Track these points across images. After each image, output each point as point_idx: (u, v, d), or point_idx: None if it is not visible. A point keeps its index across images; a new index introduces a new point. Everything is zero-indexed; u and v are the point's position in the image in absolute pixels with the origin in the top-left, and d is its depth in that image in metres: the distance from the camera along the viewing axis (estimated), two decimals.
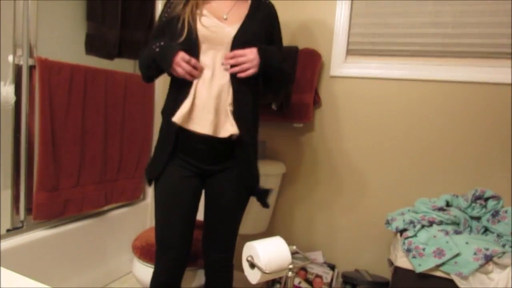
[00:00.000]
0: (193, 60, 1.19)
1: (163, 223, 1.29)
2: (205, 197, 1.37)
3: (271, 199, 1.96)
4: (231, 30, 1.24)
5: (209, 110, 1.20)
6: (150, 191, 2.29)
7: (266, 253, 1.13)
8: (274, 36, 1.38)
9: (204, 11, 1.25)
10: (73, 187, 1.72)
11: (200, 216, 1.40)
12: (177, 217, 1.28)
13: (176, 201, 1.27)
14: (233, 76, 1.22)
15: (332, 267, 1.88)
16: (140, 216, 2.22)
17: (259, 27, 1.29)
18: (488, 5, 1.63)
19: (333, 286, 1.87)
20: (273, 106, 1.86)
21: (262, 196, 1.37)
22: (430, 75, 1.72)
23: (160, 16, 1.33)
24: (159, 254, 1.31)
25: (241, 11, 1.30)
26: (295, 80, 1.85)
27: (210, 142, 1.24)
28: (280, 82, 1.40)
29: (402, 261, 1.45)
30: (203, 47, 1.23)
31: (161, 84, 2.20)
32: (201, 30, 1.22)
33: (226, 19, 1.27)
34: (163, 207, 1.29)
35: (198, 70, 1.20)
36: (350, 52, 1.88)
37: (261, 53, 1.23)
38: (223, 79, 1.23)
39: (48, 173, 1.58)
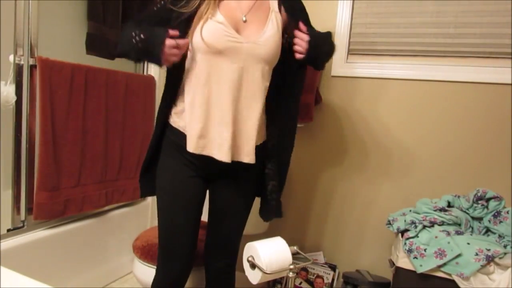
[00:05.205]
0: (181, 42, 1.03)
1: (168, 229, 1.20)
2: (211, 202, 1.29)
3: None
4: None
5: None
6: None
7: (267, 253, 1.12)
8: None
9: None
10: (74, 187, 1.71)
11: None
12: (185, 224, 1.20)
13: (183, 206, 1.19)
14: None
15: (333, 268, 1.88)
16: (141, 216, 2.22)
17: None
18: (488, 5, 1.63)
19: (334, 287, 1.87)
20: None
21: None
22: (431, 75, 1.72)
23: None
24: (164, 261, 1.22)
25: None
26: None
27: None
28: None
29: (403, 262, 1.44)
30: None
31: (163, 84, 2.19)
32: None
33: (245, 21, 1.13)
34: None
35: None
36: (351, 52, 1.88)
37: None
38: None
39: (49, 173, 1.58)
